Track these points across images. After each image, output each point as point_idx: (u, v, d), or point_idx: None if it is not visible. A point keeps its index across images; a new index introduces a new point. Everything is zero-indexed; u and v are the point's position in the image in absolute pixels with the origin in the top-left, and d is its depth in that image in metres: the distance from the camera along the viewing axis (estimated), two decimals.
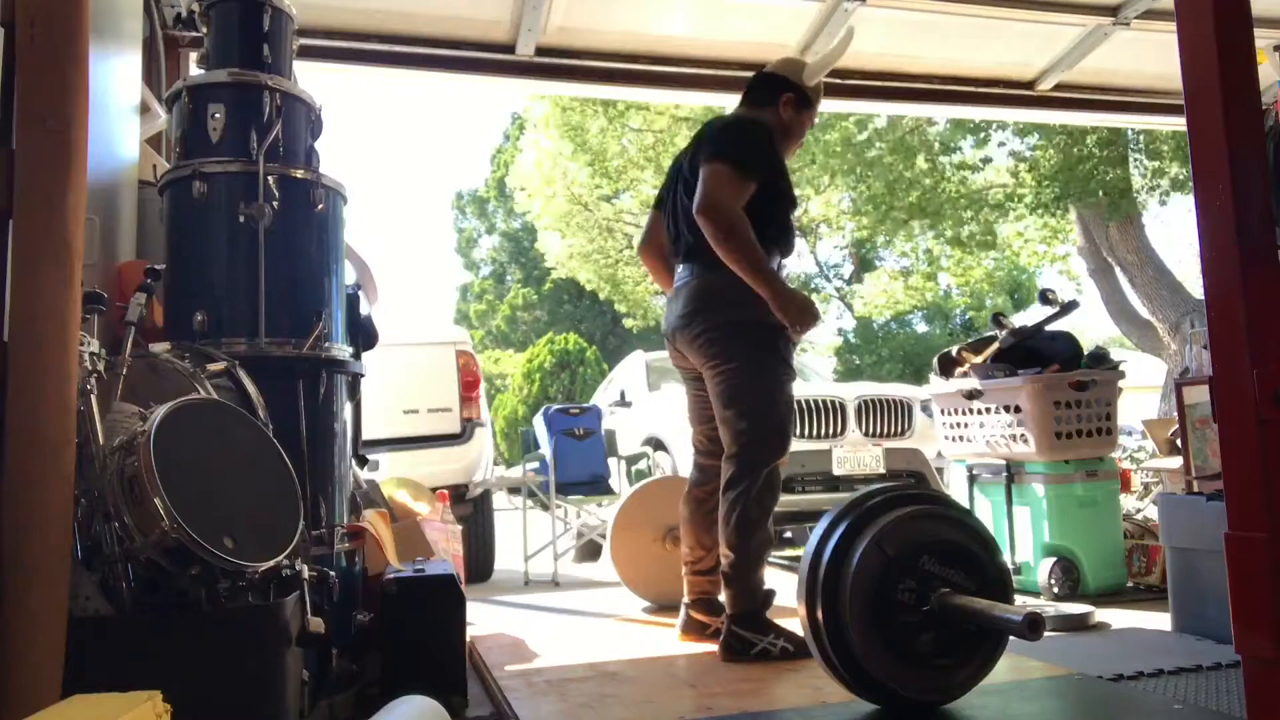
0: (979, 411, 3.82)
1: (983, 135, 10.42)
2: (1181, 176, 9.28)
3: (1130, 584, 3.71)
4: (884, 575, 1.90)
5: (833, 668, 1.97)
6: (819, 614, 1.95)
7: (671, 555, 3.22)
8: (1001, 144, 10.47)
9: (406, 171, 67.09)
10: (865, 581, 1.90)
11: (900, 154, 10.16)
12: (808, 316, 2.51)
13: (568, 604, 3.94)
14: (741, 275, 2.50)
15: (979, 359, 3.96)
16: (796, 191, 2.91)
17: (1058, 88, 4.55)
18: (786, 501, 4.96)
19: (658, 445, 5.82)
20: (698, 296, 2.66)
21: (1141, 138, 9.47)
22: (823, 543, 1.99)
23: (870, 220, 11.49)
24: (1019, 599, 3.51)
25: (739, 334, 2.59)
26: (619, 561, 3.51)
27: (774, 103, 2.78)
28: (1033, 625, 1.74)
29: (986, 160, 10.67)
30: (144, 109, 3.01)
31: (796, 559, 6.16)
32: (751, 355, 2.59)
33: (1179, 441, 3.72)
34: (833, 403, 5.17)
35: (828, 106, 7.91)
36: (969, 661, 1.96)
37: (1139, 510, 4.31)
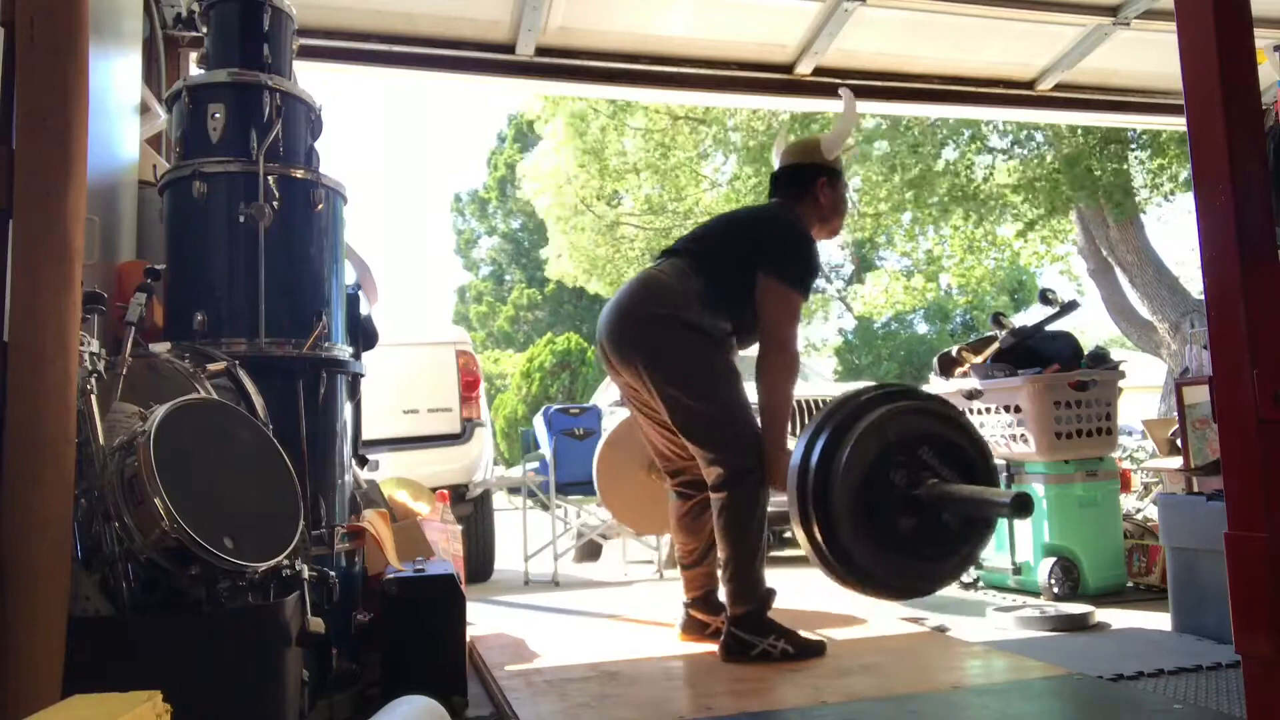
0: (979, 411, 3.82)
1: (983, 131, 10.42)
2: (1181, 175, 9.27)
3: (1130, 584, 3.71)
4: (880, 457, 1.91)
5: (822, 557, 1.97)
6: (809, 487, 1.95)
7: (659, 485, 3.15)
8: (1007, 152, 10.44)
9: (406, 171, 67.14)
10: (861, 460, 1.91)
11: (928, 142, 10.10)
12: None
13: (568, 604, 3.94)
14: (764, 409, 2.56)
15: (979, 359, 3.96)
16: None
17: (1058, 88, 4.54)
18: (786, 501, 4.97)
19: None
20: (641, 288, 2.66)
21: (1142, 136, 9.47)
22: (825, 421, 2.00)
23: (894, 207, 11.40)
24: (1019, 599, 3.52)
25: (676, 345, 2.58)
26: (606, 493, 3.44)
27: (811, 191, 2.81)
28: (1021, 504, 1.75)
29: (1012, 150, 10.61)
30: (144, 109, 3.01)
31: (797, 559, 6.15)
32: (691, 365, 2.57)
33: (1179, 441, 3.72)
34: None
35: (827, 106, 7.86)
36: (953, 554, 1.97)
37: (1139, 510, 4.30)
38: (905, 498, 1.92)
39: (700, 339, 2.58)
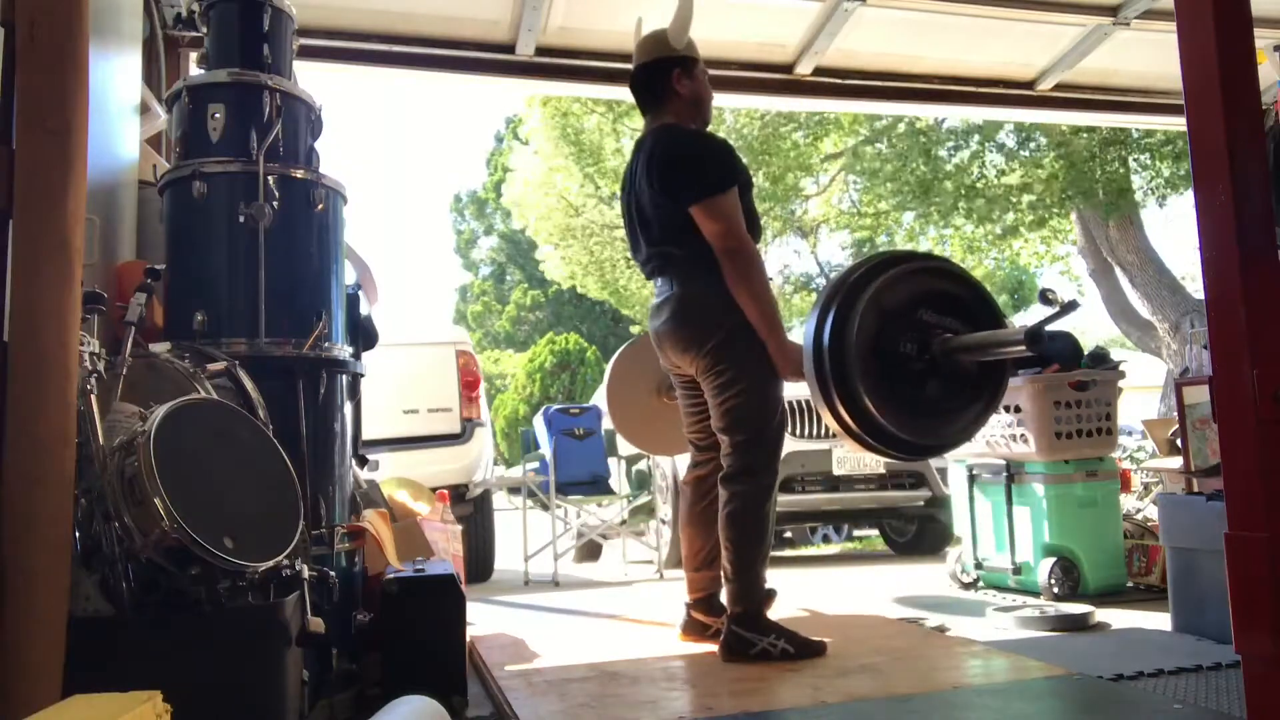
0: None
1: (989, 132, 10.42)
2: (1181, 173, 9.25)
3: (1130, 584, 3.70)
4: (884, 333, 1.93)
5: (852, 433, 1.99)
6: (830, 382, 1.97)
7: (669, 407, 3.13)
8: (1027, 140, 10.41)
9: (406, 172, 67.16)
10: (868, 342, 1.93)
11: (941, 145, 10.10)
12: (799, 374, 2.46)
13: (568, 604, 3.94)
14: (752, 316, 2.54)
15: None
16: (808, 185, 2.91)
17: (1058, 88, 4.54)
18: (787, 501, 4.98)
19: None
20: (684, 308, 2.65)
21: (1141, 139, 9.46)
22: (823, 314, 2.01)
23: (911, 209, 11.41)
24: (1019, 599, 3.52)
25: (732, 344, 2.58)
26: (616, 412, 3.42)
27: (670, 88, 2.75)
28: (1034, 338, 1.77)
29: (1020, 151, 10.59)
30: (144, 109, 3.01)
31: (797, 559, 6.16)
32: (746, 364, 2.58)
33: (1179, 441, 3.71)
34: None
35: (828, 106, 7.84)
36: (977, 400, 2.00)
37: (1139, 510, 4.30)
38: (921, 361, 1.94)
39: (752, 339, 2.57)
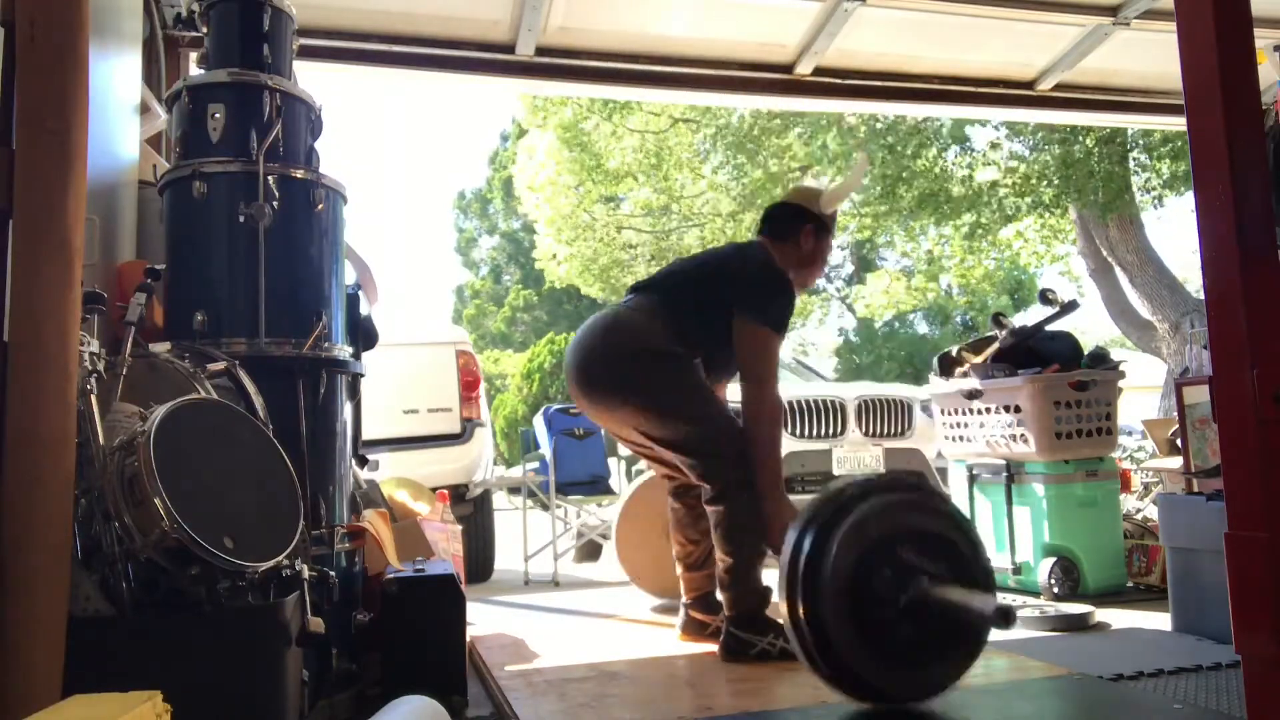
0: (979, 411, 3.82)
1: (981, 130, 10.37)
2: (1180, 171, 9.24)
3: (1130, 584, 3.71)
4: (861, 565, 1.87)
5: (814, 663, 1.94)
6: (800, 608, 1.92)
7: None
8: (996, 145, 10.37)
9: (406, 171, 67.13)
10: (843, 572, 1.87)
11: (906, 144, 10.06)
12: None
13: (568, 604, 3.93)
14: (755, 458, 2.52)
15: (979, 359, 3.96)
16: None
17: (1058, 88, 4.54)
18: None
19: None
20: (604, 329, 2.67)
21: (1140, 140, 9.46)
22: (803, 534, 1.97)
23: (873, 211, 11.39)
24: (1019, 598, 3.52)
25: (645, 374, 2.58)
26: (624, 556, 3.48)
27: (795, 235, 2.81)
28: (1005, 615, 1.71)
29: (991, 152, 10.55)
30: (144, 109, 3.01)
31: None
32: (669, 390, 2.58)
33: (1179, 441, 3.71)
34: (833, 403, 5.16)
35: (828, 106, 7.84)
36: (947, 658, 1.93)
37: (1139, 510, 4.30)
38: (894, 605, 1.84)
39: (668, 362, 2.59)
